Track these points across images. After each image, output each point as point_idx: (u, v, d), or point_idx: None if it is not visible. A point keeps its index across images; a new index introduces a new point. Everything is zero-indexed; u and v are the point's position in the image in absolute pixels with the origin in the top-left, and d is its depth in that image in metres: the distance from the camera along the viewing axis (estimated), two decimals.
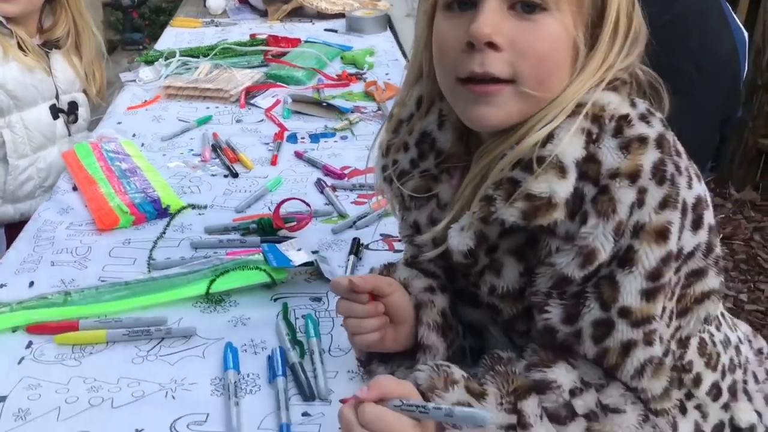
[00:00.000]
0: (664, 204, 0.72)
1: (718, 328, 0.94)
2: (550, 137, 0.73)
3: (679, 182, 0.74)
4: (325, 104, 1.79)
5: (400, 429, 0.67)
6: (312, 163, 1.53)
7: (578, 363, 0.74)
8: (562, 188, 0.72)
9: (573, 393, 0.72)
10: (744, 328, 1.02)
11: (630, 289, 0.72)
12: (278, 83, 1.95)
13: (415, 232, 0.88)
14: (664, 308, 0.76)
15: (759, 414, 0.95)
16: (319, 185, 1.42)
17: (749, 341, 1.00)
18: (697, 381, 0.90)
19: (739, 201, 3.21)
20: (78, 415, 0.87)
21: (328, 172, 1.48)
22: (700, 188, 0.79)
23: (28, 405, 0.88)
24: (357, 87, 1.95)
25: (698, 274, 0.80)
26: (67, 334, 0.99)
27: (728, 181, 3.29)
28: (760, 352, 1.00)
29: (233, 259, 1.14)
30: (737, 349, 0.95)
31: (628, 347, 0.73)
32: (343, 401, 0.88)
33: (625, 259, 0.72)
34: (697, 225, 0.78)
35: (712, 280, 0.81)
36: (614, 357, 0.73)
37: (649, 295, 0.72)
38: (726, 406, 0.92)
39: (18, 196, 1.63)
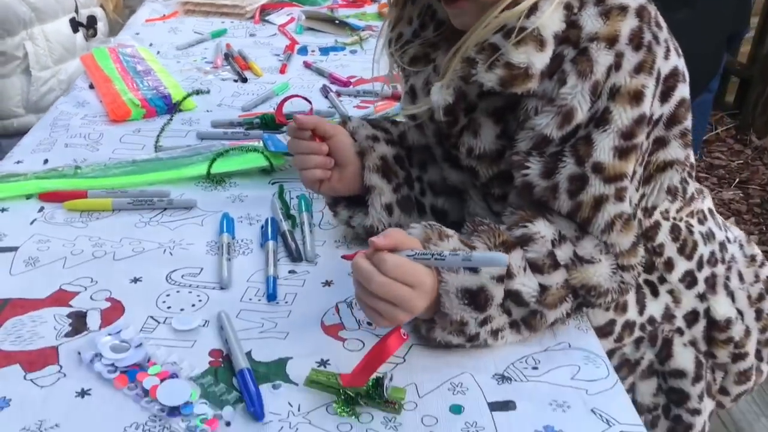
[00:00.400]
0: (640, 68, 0.76)
1: (701, 222, 0.97)
2: (533, 9, 0.77)
3: (656, 51, 0.78)
4: (337, 21, 1.83)
5: (418, 274, 0.72)
6: (319, 72, 1.57)
7: (554, 218, 0.79)
8: (539, 60, 0.76)
9: (553, 244, 0.77)
10: (737, 233, 1.06)
11: (604, 145, 0.76)
12: (294, 2, 1.99)
13: (411, 98, 0.93)
14: (634, 171, 0.80)
15: (741, 313, 0.99)
16: (324, 90, 1.47)
17: (741, 244, 1.04)
18: (669, 266, 0.94)
19: (759, 148, 3.19)
20: (82, 264, 0.94)
21: (334, 80, 1.53)
22: (679, 62, 0.82)
23: (37, 254, 0.95)
24: (371, 8, 1.99)
25: (661, 142, 0.84)
26: (76, 201, 1.06)
27: (750, 127, 3.27)
28: (753, 258, 1.03)
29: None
30: (722, 245, 0.99)
31: (600, 201, 0.77)
32: (346, 257, 0.94)
33: (600, 119, 0.76)
34: (665, 96, 0.82)
35: (676, 151, 0.84)
36: (587, 211, 0.78)
37: (621, 153, 0.77)
38: (702, 297, 0.97)
39: (40, 107, 1.70)
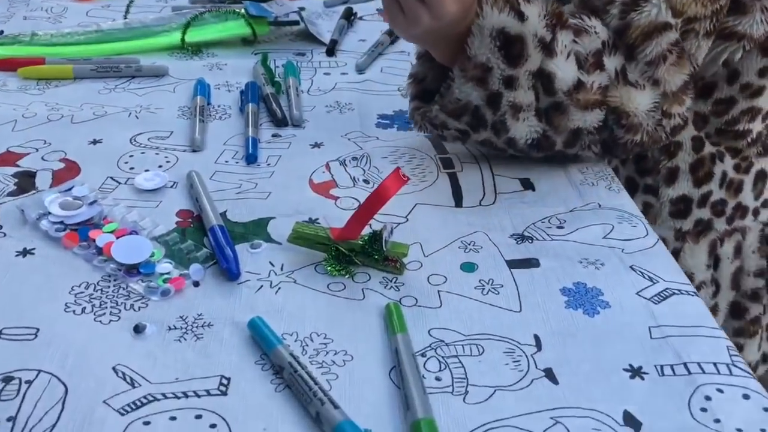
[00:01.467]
0: None
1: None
2: None
3: None
4: None
5: None
6: None
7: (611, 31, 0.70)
8: None
9: (605, 46, 0.68)
10: None
11: None
12: None
13: None
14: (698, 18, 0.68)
15: None
16: None
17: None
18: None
19: None
20: (34, 127, 0.81)
21: None
22: None
23: None
24: None
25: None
26: (32, 68, 0.93)
27: None
28: None
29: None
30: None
31: (656, 28, 0.67)
32: None
33: None
34: None
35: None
36: (637, 34, 0.68)
37: None
38: None
39: None
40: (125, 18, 1.09)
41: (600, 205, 0.70)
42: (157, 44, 1.01)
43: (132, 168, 0.75)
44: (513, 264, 0.61)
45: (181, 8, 1.14)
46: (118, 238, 0.63)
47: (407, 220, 0.67)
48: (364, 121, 0.85)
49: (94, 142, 0.79)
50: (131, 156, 0.76)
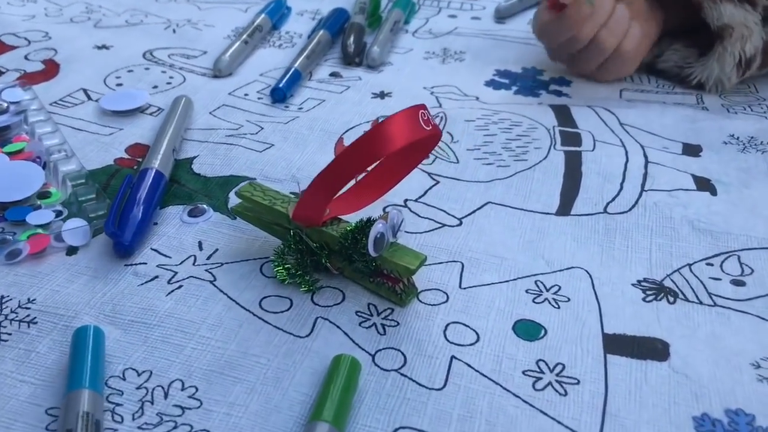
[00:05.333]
0: None
1: None
2: None
3: None
4: None
5: None
6: None
7: None
8: None
9: None
10: None
11: None
12: None
13: None
14: None
15: None
16: None
17: None
18: None
19: None
20: (51, 23, 0.64)
21: None
22: None
23: None
24: None
25: None
26: None
27: None
28: None
29: None
30: None
31: None
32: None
33: None
34: None
35: None
36: None
37: None
38: None
39: None
40: None
41: None
42: None
43: (120, 84, 0.54)
44: (614, 343, 0.31)
45: None
46: (10, 160, 0.41)
47: (461, 223, 0.39)
48: (471, 74, 0.57)
49: (101, 47, 0.59)
50: (130, 71, 0.56)
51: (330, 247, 0.34)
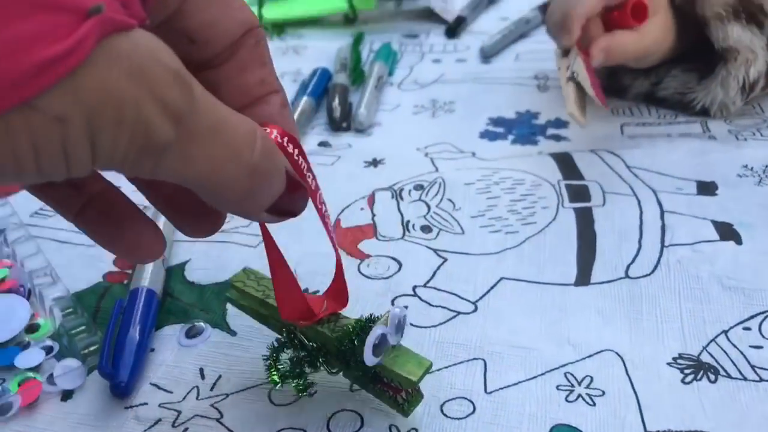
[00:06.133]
0: None
1: None
2: None
3: None
4: None
5: None
6: None
7: None
8: None
9: None
10: None
11: None
12: None
13: None
14: None
15: None
16: None
17: None
18: None
19: None
20: None
21: None
22: None
23: None
24: None
25: None
26: None
27: None
28: None
29: None
30: None
31: None
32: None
33: None
34: None
35: None
36: None
37: None
38: None
39: None
40: None
41: None
42: None
43: None
44: None
45: None
46: None
47: (476, 308, 0.37)
48: (464, 127, 0.55)
49: None
50: None
51: (326, 347, 0.31)
